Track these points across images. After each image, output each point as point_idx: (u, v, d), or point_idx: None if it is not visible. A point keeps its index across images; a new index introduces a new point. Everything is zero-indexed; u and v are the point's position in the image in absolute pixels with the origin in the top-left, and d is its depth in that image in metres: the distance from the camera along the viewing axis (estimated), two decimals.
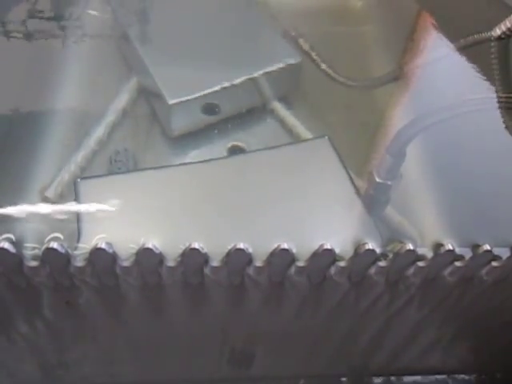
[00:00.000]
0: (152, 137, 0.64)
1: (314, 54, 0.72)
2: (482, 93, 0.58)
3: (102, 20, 0.71)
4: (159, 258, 0.40)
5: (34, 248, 0.39)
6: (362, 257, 0.41)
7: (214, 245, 0.41)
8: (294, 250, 0.41)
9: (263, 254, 0.41)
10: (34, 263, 0.40)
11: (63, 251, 0.39)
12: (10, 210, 0.45)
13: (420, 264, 0.43)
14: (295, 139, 0.64)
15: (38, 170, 0.57)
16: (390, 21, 0.80)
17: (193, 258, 0.40)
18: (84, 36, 0.70)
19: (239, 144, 0.64)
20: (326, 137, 0.57)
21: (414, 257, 0.42)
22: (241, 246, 0.40)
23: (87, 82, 0.67)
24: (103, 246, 0.39)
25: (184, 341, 0.50)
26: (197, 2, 0.73)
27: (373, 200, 0.54)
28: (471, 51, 0.62)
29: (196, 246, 0.40)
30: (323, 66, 0.71)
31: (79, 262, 0.40)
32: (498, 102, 0.55)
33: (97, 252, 0.39)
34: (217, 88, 0.61)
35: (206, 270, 0.42)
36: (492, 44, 0.58)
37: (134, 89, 0.67)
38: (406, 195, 0.56)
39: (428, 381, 0.55)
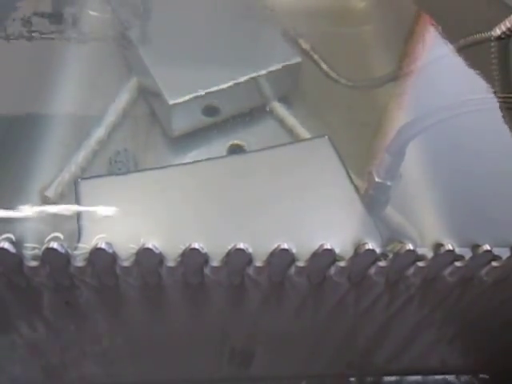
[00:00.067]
0: (152, 137, 0.64)
1: (314, 54, 0.72)
2: (482, 93, 0.58)
3: (101, 20, 0.71)
4: (159, 258, 0.40)
5: (34, 248, 0.39)
6: (362, 257, 0.41)
7: (214, 245, 0.41)
8: (294, 250, 0.41)
9: (263, 254, 0.41)
10: (33, 263, 0.40)
11: (63, 251, 0.39)
12: (9, 210, 0.45)
13: (420, 264, 0.43)
14: (295, 139, 0.64)
15: (38, 170, 0.57)
16: (391, 21, 0.80)
17: (193, 258, 0.40)
18: (84, 36, 0.70)
19: (239, 144, 0.64)
20: (326, 136, 0.57)
21: (414, 257, 0.42)
22: (241, 246, 0.40)
23: (87, 82, 0.67)
24: (103, 245, 0.39)
25: (184, 341, 0.50)
26: (197, 2, 0.73)
27: (373, 200, 0.54)
28: (471, 51, 0.62)
29: (196, 246, 0.40)
30: (323, 66, 0.71)
31: (79, 262, 0.40)
32: (498, 102, 0.55)
33: (97, 252, 0.39)
34: (217, 88, 0.61)
35: (206, 270, 0.42)
36: (492, 44, 0.58)
37: (134, 89, 0.67)
38: (405, 195, 0.56)
39: (428, 381, 0.55)
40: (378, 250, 0.41)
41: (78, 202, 0.49)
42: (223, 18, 0.71)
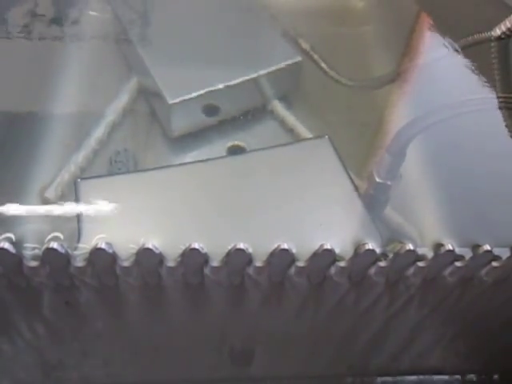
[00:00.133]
0: (152, 137, 0.64)
1: (314, 54, 0.72)
2: (482, 93, 0.58)
3: (101, 20, 0.71)
4: (159, 258, 0.40)
5: (34, 248, 0.40)
6: (362, 257, 0.41)
7: (214, 245, 0.41)
8: (294, 250, 0.41)
9: (263, 254, 0.41)
10: (33, 263, 0.40)
11: (63, 251, 0.39)
12: (9, 210, 0.45)
13: (420, 264, 0.43)
14: (295, 139, 0.64)
15: (38, 170, 0.57)
16: (391, 21, 0.80)
17: (193, 258, 0.40)
18: (84, 36, 0.69)
19: (239, 144, 0.64)
20: (327, 136, 0.57)
21: (414, 257, 0.42)
22: (241, 246, 0.40)
23: (87, 82, 0.67)
24: (103, 246, 0.39)
25: (184, 341, 0.50)
26: (197, 2, 0.73)
27: (373, 200, 0.54)
28: (471, 51, 0.62)
29: (196, 246, 0.40)
30: (323, 66, 0.71)
31: (79, 262, 0.40)
32: (498, 102, 0.55)
33: (97, 252, 0.39)
34: (217, 88, 0.61)
35: (206, 270, 0.42)
36: (492, 44, 0.58)
37: (134, 89, 0.66)
38: (405, 195, 0.56)
39: (428, 381, 0.55)
40: (378, 250, 0.41)
41: (77, 202, 0.49)
42: (223, 17, 0.71)
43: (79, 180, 0.51)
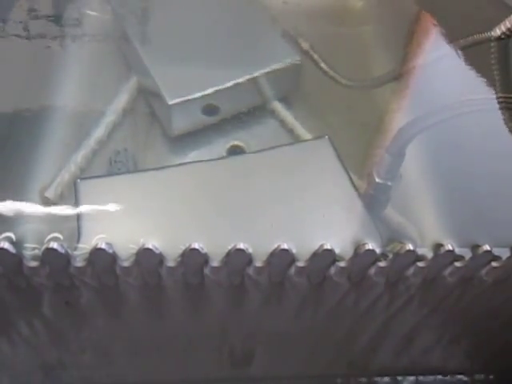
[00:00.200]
0: (152, 137, 0.64)
1: (314, 54, 0.72)
2: (482, 93, 0.58)
3: (102, 20, 0.71)
4: (159, 259, 0.40)
5: (33, 248, 0.39)
6: (361, 257, 0.41)
7: (214, 245, 0.41)
8: (294, 250, 0.41)
9: (263, 254, 0.41)
10: (33, 263, 0.40)
11: (63, 251, 0.39)
12: (10, 210, 0.45)
13: (420, 264, 0.43)
14: (295, 139, 0.64)
15: (38, 170, 0.57)
16: (390, 21, 0.80)
17: (193, 259, 0.40)
18: (84, 36, 0.69)
19: (239, 144, 0.64)
20: (327, 137, 0.57)
21: (414, 257, 0.42)
22: (241, 246, 0.40)
23: (87, 82, 0.67)
24: (103, 246, 0.39)
25: (184, 341, 0.50)
26: (197, 2, 0.73)
27: (373, 200, 0.54)
28: (471, 51, 0.62)
29: (196, 246, 0.40)
30: (323, 66, 0.71)
31: (79, 263, 0.40)
32: (498, 102, 0.55)
33: (97, 252, 0.39)
34: (217, 88, 0.61)
35: (206, 271, 0.42)
36: (492, 44, 0.58)
37: (134, 89, 0.66)
38: (405, 195, 0.56)
39: (428, 381, 0.55)
40: (378, 250, 0.41)
41: (77, 202, 0.49)
42: (223, 17, 0.71)
43: (79, 180, 0.51)
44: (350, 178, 0.53)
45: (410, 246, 0.41)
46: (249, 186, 0.52)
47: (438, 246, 0.42)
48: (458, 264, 0.43)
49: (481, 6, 0.67)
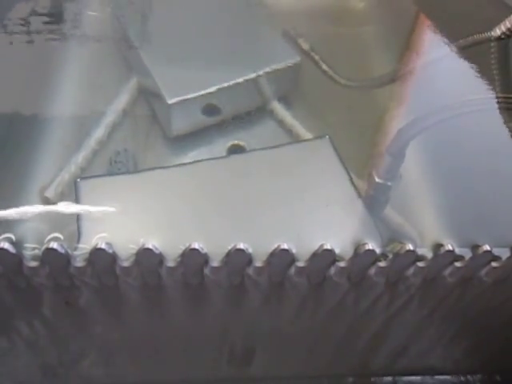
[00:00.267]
0: (152, 137, 0.64)
1: (313, 54, 0.72)
2: (482, 93, 0.58)
3: (102, 20, 0.71)
4: (159, 259, 0.40)
5: (33, 248, 0.40)
6: (361, 257, 0.41)
7: (213, 245, 0.41)
8: (294, 250, 0.41)
9: (263, 254, 0.41)
10: (33, 263, 0.40)
11: (63, 251, 0.39)
12: (9, 210, 0.45)
13: (420, 264, 0.43)
14: (295, 139, 0.64)
15: (38, 170, 0.57)
16: (391, 21, 0.80)
17: (193, 259, 0.40)
18: (84, 36, 0.69)
19: (239, 144, 0.64)
20: (327, 137, 0.57)
21: (414, 257, 0.42)
22: (241, 246, 0.40)
23: (87, 83, 0.67)
24: (103, 246, 0.39)
25: (184, 341, 0.50)
26: (197, 2, 0.73)
27: (373, 200, 0.54)
28: (471, 51, 0.62)
29: (196, 246, 0.40)
30: (323, 66, 0.71)
31: (79, 263, 0.40)
32: (498, 102, 0.55)
33: (97, 252, 0.39)
34: (217, 88, 0.61)
35: (206, 271, 0.42)
36: (492, 44, 0.58)
37: (134, 89, 0.66)
38: (405, 195, 0.56)
39: (428, 381, 0.54)
40: (377, 251, 0.41)
41: (77, 202, 0.49)
42: (223, 17, 0.71)
43: (79, 180, 0.51)
44: (350, 178, 0.53)
45: (410, 246, 0.41)
46: (249, 185, 0.52)
47: (437, 246, 0.42)
48: (457, 264, 0.43)
49: (481, 6, 0.67)
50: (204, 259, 0.41)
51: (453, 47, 0.64)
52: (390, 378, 0.54)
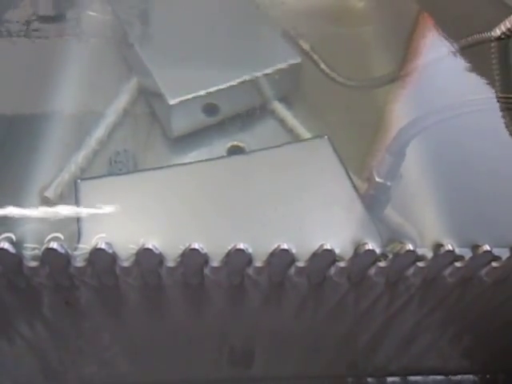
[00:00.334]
0: (152, 137, 0.64)
1: (313, 54, 0.72)
2: (482, 93, 0.58)
3: (101, 20, 0.71)
4: (159, 259, 0.40)
5: (33, 248, 0.40)
6: (361, 257, 0.41)
7: (214, 245, 0.41)
8: (294, 251, 0.41)
9: (263, 254, 0.41)
10: (33, 263, 0.40)
11: (63, 251, 0.39)
12: (10, 210, 0.45)
13: (420, 264, 0.43)
14: (295, 139, 0.64)
15: (38, 170, 0.57)
16: (391, 21, 0.80)
17: (193, 259, 0.40)
18: (84, 36, 0.70)
19: (239, 144, 0.64)
20: (326, 136, 0.57)
21: (414, 257, 0.42)
22: (241, 246, 0.40)
23: (87, 83, 0.67)
24: (103, 246, 0.39)
25: (184, 341, 0.50)
26: (197, 2, 0.73)
27: (373, 200, 0.54)
28: (471, 51, 0.62)
29: (196, 246, 0.40)
30: (323, 66, 0.71)
31: (79, 263, 0.40)
32: (498, 102, 0.55)
33: (97, 252, 0.39)
34: (217, 88, 0.61)
35: (206, 271, 0.42)
36: (492, 44, 0.58)
37: (134, 89, 0.66)
38: (405, 195, 0.56)
39: (428, 381, 0.54)
40: (377, 251, 0.41)
41: (77, 202, 0.49)
42: (223, 17, 0.71)
43: (79, 180, 0.51)
44: (350, 178, 0.53)
45: (410, 246, 0.41)
46: (249, 185, 0.52)
47: (438, 246, 0.42)
48: (457, 264, 0.43)
49: (481, 6, 0.67)
50: (204, 259, 0.41)
51: (453, 47, 0.64)
52: (390, 378, 0.54)
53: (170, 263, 0.41)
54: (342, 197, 0.52)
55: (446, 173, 0.58)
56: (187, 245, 0.40)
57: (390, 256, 0.42)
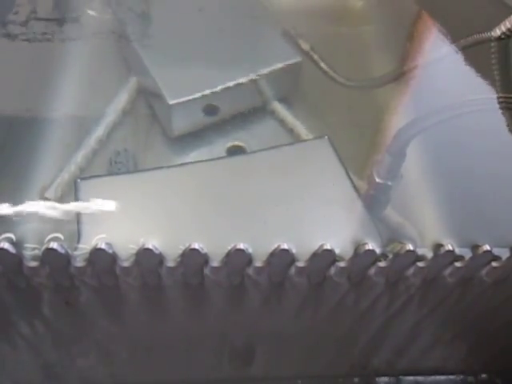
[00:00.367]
0: (152, 137, 0.64)
1: (313, 54, 0.72)
2: (482, 93, 0.58)
3: (102, 20, 0.71)
4: (159, 259, 0.40)
5: (33, 248, 0.40)
6: (361, 257, 0.41)
7: (214, 245, 0.41)
8: (294, 251, 0.41)
9: (263, 254, 0.41)
10: (33, 263, 0.40)
11: (63, 251, 0.39)
12: (10, 210, 0.45)
13: (420, 264, 0.43)
14: (295, 139, 0.64)
15: (38, 170, 0.57)
16: (390, 21, 0.80)
17: (193, 259, 0.40)
18: (84, 36, 0.69)
19: (239, 144, 0.64)
20: (326, 137, 0.57)
21: (414, 257, 0.42)
22: (241, 246, 0.40)
23: (87, 83, 0.67)
24: (103, 246, 0.39)
25: (184, 341, 0.50)
26: (197, 2, 0.73)
27: (373, 200, 0.54)
28: (471, 51, 0.62)
29: (196, 246, 0.40)
30: (323, 66, 0.71)
31: (79, 263, 0.40)
32: (498, 102, 0.55)
33: (97, 252, 0.39)
34: (217, 88, 0.61)
35: (206, 271, 0.42)
36: (492, 44, 0.58)
37: (133, 89, 0.67)
38: (406, 195, 0.56)
39: (428, 381, 0.54)
40: (377, 251, 0.41)
41: (77, 202, 0.49)
42: (223, 18, 0.71)
43: (79, 180, 0.51)
44: (350, 178, 0.53)
45: (410, 246, 0.41)
46: (249, 185, 0.52)
47: (438, 246, 0.42)
48: (457, 264, 0.43)
49: (481, 6, 0.67)
50: (204, 259, 0.41)
51: (453, 47, 0.64)
52: (390, 378, 0.54)
53: (170, 263, 0.41)
54: (342, 197, 0.52)
55: (446, 173, 0.58)
56: (187, 245, 0.40)
57: (390, 256, 0.42)
